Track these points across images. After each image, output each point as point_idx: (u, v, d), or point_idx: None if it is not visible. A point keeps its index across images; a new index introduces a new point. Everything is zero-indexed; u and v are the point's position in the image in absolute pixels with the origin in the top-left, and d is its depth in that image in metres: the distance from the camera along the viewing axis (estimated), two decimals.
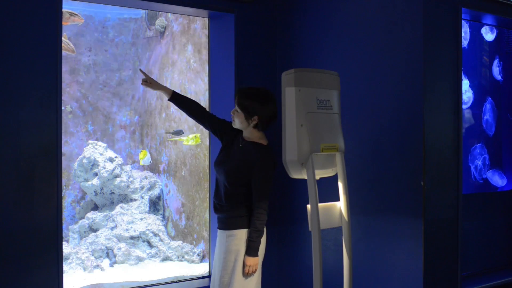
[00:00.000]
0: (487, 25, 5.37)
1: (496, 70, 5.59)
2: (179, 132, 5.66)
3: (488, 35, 5.48)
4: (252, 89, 3.29)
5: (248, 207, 3.20)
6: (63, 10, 5.03)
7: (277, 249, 4.77)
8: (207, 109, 4.90)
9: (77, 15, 5.14)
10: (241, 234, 3.20)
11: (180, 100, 3.52)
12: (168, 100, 3.52)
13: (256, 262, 3.19)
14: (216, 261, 3.31)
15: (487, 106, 5.57)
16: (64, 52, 5.28)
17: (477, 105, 5.50)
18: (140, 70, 3.78)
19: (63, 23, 5.10)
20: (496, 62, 5.60)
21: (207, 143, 5.01)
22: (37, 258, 3.59)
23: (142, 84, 3.59)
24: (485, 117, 5.56)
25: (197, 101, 5.49)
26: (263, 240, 3.27)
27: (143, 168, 6.26)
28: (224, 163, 3.28)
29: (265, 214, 3.16)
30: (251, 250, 3.16)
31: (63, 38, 5.22)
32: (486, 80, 5.64)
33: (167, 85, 5.91)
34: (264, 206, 3.15)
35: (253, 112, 3.21)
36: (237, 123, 3.29)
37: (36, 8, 3.63)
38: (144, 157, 5.98)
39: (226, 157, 3.30)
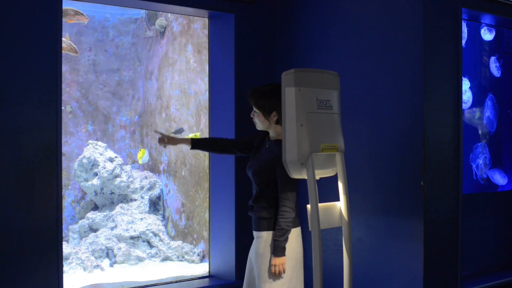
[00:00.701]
0: (487, 25, 5.37)
1: (493, 67, 5.58)
2: (180, 131, 5.66)
3: (487, 34, 5.48)
4: (265, 87, 3.28)
5: (277, 209, 3.16)
6: (68, 7, 5.01)
7: None
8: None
9: (82, 14, 5.11)
10: (268, 236, 3.16)
11: (202, 144, 3.53)
12: (191, 149, 3.51)
13: (282, 262, 3.12)
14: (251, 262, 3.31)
15: (488, 103, 5.56)
16: (66, 53, 5.27)
17: (476, 105, 5.50)
18: (155, 131, 3.75)
19: (68, 21, 5.08)
20: (493, 58, 5.60)
21: None
22: (37, 258, 3.59)
23: (159, 144, 3.53)
24: (486, 113, 5.55)
25: (197, 101, 5.52)
26: (298, 240, 3.21)
27: (143, 168, 6.25)
28: (253, 165, 3.28)
29: (291, 212, 3.09)
30: (276, 249, 3.11)
31: (65, 39, 5.21)
32: (484, 78, 5.64)
33: (167, 85, 5.92)
34: (289, 204, 3.09)
35: (271, 108, 3.21)
36: (259, 124, 3.29)
37: (36, 8, 3.63)
38: (143, 156, 5.98)
39: (254, 160, 3.30)
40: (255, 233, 3.24)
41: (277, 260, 3.11)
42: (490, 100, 5.58)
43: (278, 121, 3.23)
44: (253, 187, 3.30)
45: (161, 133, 3.53)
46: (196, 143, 3.50)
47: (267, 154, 3.24)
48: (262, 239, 3.18)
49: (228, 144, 3.50)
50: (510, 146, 5.74)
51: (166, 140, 3.51)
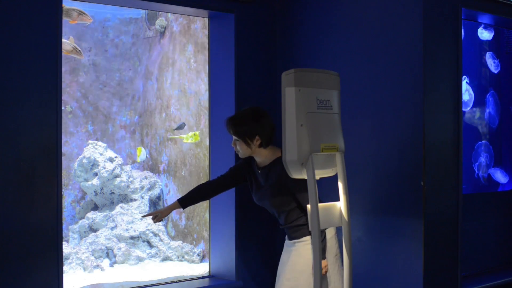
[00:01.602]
0: (488, 25, 5.36)
1: (490, 63, 5.57)
2: (181, 126, 5.67)
3: (485, 33, 5.47)
4: (241, 113, 3.32)
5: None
6: (72, 7, 4.99)
7: (278, 249, 4.77)
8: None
9: (86, 14, 5.09)
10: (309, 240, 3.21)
11: (191, 199, 3.53)
12: (184, 209, 3.51)
13: (326, 263, 3.22)
14: (280, 270, 3.33)
15: (490, 99, 5.56)
16: (71, 55, 5.27)
17: (477, 104, 5.50)
18: (142, 216, 3.81)
19: (71, 22, 5.06)
20: (489, 54, 5.59)
21: (207, 142, 5.01)
22: (37, 258, 3.59)
23: (155, 221, 3.54)
24: (487, 110, 5.55)
25: (197, 101, 5.52)
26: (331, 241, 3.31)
27: (143, 168, 6.26)
28: (264, 198, 3.31)
29: None
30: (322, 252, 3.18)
31: (70, 42, 5.20)
32: (484, 78, 5.64)
33: (167, 85, 5.92)
34: None
35: (253, 133, 3.24)
36: (242, 152, 3.30)
37: (36, 7, 3.63)
38: (141, 154, 6.01)
39: (260, 191, 3.33)
40: (295, 241, 3.28)
41: (324, 262, 3.19)
42: (491, 96, 5.57)
43: (261, 145, 3.25)
44: (274, 212, 3.33)
45: (148, 214, 3.56)
46: (185, 201, 3.48)
47: (271, 178, 3.26)
48: (305, 242, 3.24)
49: (216, 186, 3.51)
50: (511, 145, 5.74)
51: (158, 214, 3.50)
